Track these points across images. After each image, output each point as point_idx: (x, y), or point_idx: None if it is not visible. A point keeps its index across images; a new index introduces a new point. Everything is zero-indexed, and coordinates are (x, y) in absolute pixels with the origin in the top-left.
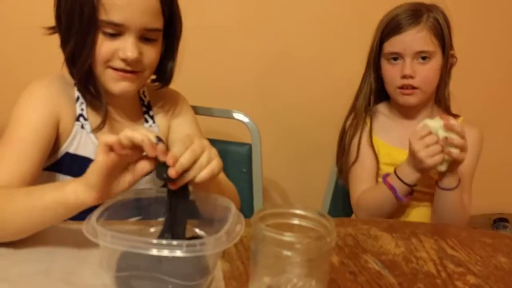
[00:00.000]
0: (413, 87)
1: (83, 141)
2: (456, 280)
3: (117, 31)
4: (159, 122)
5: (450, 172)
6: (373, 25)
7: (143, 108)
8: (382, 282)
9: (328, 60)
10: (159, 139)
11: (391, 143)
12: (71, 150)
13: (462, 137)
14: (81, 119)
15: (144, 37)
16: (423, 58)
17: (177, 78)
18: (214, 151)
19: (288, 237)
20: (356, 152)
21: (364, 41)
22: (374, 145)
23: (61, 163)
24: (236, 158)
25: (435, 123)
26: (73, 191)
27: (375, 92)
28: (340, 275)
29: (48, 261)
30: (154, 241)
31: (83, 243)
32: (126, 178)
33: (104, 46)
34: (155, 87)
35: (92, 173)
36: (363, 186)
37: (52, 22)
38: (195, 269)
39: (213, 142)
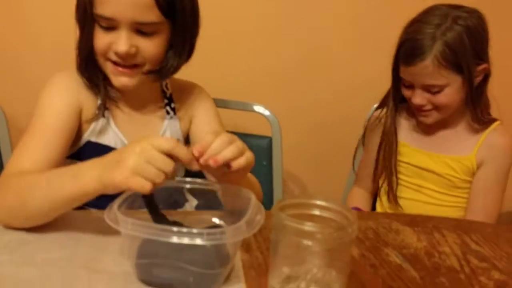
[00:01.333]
0: (428, 110)
1: (105, 130)
2: (480, 276)
3: (110, 25)
4: (180, 115)
5: None
6: (401, 24)
7: (165, 100)
8: (403, 275)
9: (354, 57)
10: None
11: (411, 144)
12: (93, 139)
13: None
14: (103, 107)
15: (140, 30)
16: (433, 90)
17: (200, 72)
18: (244, 144)
19: (309, 226)
20: (369, 147)
21: (391, 40)
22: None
23: (83, 152)
24: (256, 151)
25: None
26: (97, 176)
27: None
28: (360, 268)
29: (71, 248)
30: (175, 229)
31: (104, 231)
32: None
33: (100, 39)
34: (177, 81)
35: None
36: (357, 184)
37: None
38: (215, 258)
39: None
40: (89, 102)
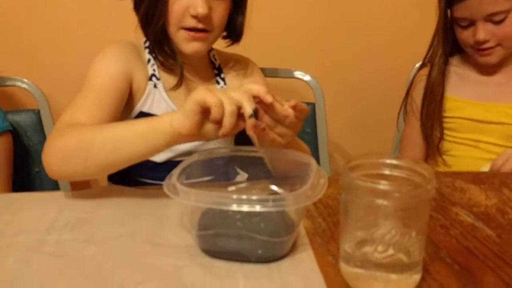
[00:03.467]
0: (492, 47)
1: (156, 100)
2: None
3: None
4: (230, 84)
5: None
6: None
7: (214, 71)
8: (478, 235)
9: (390, 15)
10: (254, 113)
11: (463, 96)
12: (145, 109)
13: None
14: (154, 78)
15: None
16: (497, 19)
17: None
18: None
19: (384, 185)
20: (416, 107)
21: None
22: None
23: None
24: None
25: None
26: (168, 119)
27: (448, 50)
28: (431, 229)
29: (131, 225)
30: (237, 196)
31: (162, 206)
32: (215, 128)
33: (176, 4)
34: (226, 45)
35: (190, 102)
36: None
37: None
38: (281, 225)
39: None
40: (140, 72)
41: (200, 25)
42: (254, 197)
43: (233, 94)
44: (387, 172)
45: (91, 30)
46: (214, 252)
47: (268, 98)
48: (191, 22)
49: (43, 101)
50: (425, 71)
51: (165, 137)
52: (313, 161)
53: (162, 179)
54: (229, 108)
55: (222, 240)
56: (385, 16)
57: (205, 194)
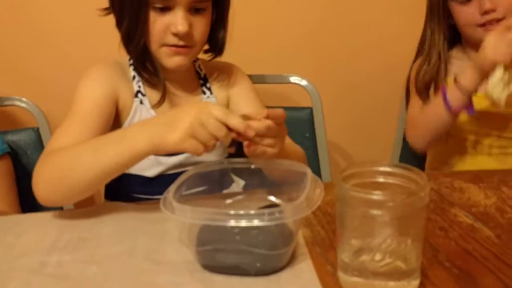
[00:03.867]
0: (498, 20)
1: (143, 116)
2: None
3: (166, 5)
4: (216, 93)
5: None
6: None
7: (200, 81)
8: (477, 236)
9: (385, 14)
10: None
11: None
12: None
13: None
14: (139, 95)
15: (194, 7)
16: None
17: (228, 50)
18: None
19: (377, 195)
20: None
21: None
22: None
23: None
24: (297, 124)
25: None
26: (145, 138)
27: (448, 39)
28: (429, 232)
29: (130, 242)
30: (234, 212)
31: (160, 221)
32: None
33: (157, 23)
34: (209, 59)
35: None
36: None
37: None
38: (279, 238)
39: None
40: (125, 91)
41: (181, 42)
42: (252, 212)
43: (210, 128)
44: (381, 180)
45: (87, 46)
46: (214, 267)
47: (250, 133)
48: (173, 40)
49: (42, 118)
50: (421, 60)
51: (146, 154)
52: (308, 170)
53: (155, 193)
54: (211, 143)
55: (221, 255)
56: (379, 15)
57: (201, 211)
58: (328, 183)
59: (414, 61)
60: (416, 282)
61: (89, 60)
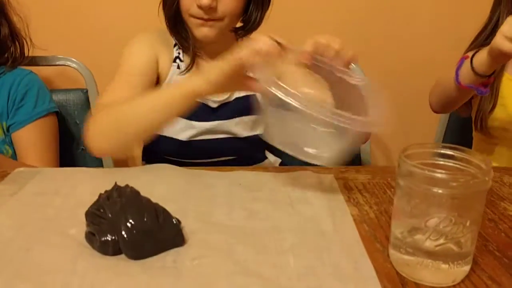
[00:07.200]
0: None
1: (174, 80)
2: None
3: None
4: None
5: None
6: None
7: None
8: None
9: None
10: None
11: None
12: None
13: None
14: (178, 60)
15: None
16: None
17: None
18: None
19: (441, 174)
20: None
21: None
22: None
23: None
24: None
25: None
26: (190, 85)
27: None
28: None
29: (183, 202)
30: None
31: (209, 185)
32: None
33: None
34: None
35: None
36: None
37: None
38: None
39: None
40: (165, 55)
41: (205, 16)
42: None
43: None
44: (441, 162)
45: (135, 13)
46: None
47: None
48: (197, 12)
49: (91, 80)
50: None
51: (203, 92)
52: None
53: (187, 156)
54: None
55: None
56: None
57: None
58: (375, 167)
59: (469, 47)
60: (467, 267)
61: (138, 26)
